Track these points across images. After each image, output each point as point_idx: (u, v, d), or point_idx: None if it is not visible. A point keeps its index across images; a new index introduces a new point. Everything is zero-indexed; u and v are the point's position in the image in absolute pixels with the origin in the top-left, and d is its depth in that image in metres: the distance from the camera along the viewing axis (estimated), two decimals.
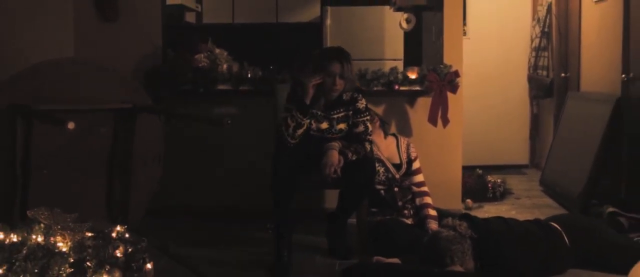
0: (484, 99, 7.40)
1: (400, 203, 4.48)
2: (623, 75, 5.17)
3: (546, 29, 6.97)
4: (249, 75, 5.05)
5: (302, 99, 4.08)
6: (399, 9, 5.88)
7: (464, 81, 5.24)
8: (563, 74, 6.69)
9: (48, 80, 3.67)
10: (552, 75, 6.94)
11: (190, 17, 7.71)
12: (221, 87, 5.03)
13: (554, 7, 6.85)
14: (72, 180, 3.75)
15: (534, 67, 7.26)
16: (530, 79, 7.40)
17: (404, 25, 5.83)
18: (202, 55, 5.09)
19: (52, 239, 2.30)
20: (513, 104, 7.54)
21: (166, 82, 4.91)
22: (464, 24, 6.82)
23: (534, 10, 7.41)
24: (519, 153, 7.61)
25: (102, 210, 3.93)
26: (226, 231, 4.83)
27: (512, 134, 7.55)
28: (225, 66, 5.06)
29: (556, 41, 6.86)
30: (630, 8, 5.12)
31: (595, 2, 5.85)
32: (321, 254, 4.27)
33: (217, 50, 5.18)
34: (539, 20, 7.12)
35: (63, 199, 3.22)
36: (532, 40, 7.34)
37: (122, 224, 2.75)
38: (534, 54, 7.24)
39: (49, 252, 2.21)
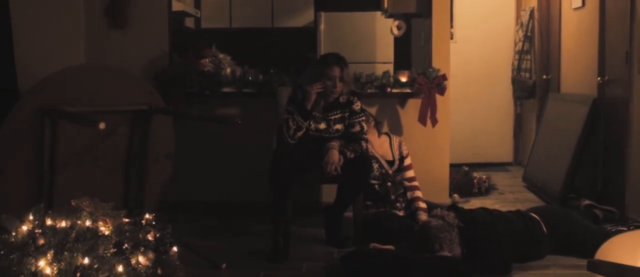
0: (471, 100, 7.68)
1: (392, 197, 4.84)
2: (598, 78, 5.53)
3: (529, 34, 7.28)
4: (250, 78, 5.38)
5: (303, 104, 4.43)
6: (390, 16, 6.22)
7: (451, 83, 5.56)
8: (545, 76, 7.01)
9: (71, 85, 4.00)
10: (534, 77, 7.26)
11: (189, 23, 7.98)
12: (225, 89, 5.34)
13: (536, 13, 7.16)
14: (93, 176, 4.07)
15: (517, 70, 7.57)
16: (514, 81, 7.71)
17: (395, 31, 6.17)
18: (207, 59, 5.41)
19: (95, 224, 2.65)
20: (498, 105, 7.84)
21: (174, 85, 5.21)
22: (451, 28, 7.15)
23: (518, 16, 7.73)
24: (504, 151, 7.91)
25: (119, 203, 4.26)
26: (230, 223, 5.15)
27: (497, 133, 7.85)
28: (228, 70, 5.38)
29: (538, 45, 7.18)
30: (605, 15, 5.47)
31: (574, 9, 6.20)
32: (320, 244, 4.60)
33: (221, 55, 5.50)
34: (522, 25, 7.43)
35: (85, 193, 3.51)
36: (515, 44, 7.65)
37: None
38: (517, 57, 7.55)
39: (95, 234, 2.55)
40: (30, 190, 3.86)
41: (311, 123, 4.50)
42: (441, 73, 5.33)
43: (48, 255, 2.35)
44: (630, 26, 4.91)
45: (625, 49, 5.01)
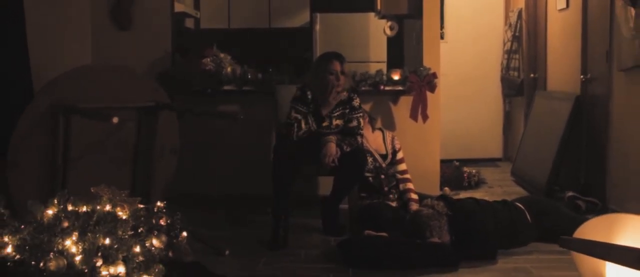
0: (461, 98, 7.94)
1: (386, 188, 5.09)
2: (581, 76, 5.80)
3: (517, 34, 7.51)
4: (249, 77, 5.61)
5: (318, 109, 4.68)
6: (383, 17, 6.44)
7: (443, 81, 5.81)
8: (532, 75, 7.24)
9: (82, 83, 4.23)
10: (522, 76, 7.47)
11: (189, 23, 8.20)
12: (226, 87, 5.57)
13: (523, 14, 7.39)
14: (103, 168, 4.29)
15: (506, 68, 7.81)
16: (503, 79, 7.95)
17: (388, 31, 6.41)
18: (209, 59, 5.63)
19: (114, 209, 2.89)
20: (487, 102, 8.11)
21: (177, 84, 5.44)
22: (441, 28, 7.38)
23: (506, 16, 7.98)
24: (493, 147, 8.17)
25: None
26: (231, 214, 5.38)
27: (486, 130, 8.12)
28: (229, 69, 5.60)
29: (526, 45, 7.39)
30: (588, 16, 5.74)
31: (559, 10, 6.46)
32: (317, 233, 4.84)
33: (222, 55, 5.73)
34: (510, 25, 7.66)
35: (95, 184, 3.75)
36: (504, 44, 7.89)
37: None
38: (506, 56, 7.79)
39: (114, 218, 2.80)
40: (44, 182, 4.10)
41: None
42: (432, 71, 5.58)
43: (73, 235, 2.60)
44: (610, 27, 5.17)
45: (605, 49, 5.27)
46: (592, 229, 3.19)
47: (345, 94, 4.81)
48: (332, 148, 4.62)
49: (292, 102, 4.78)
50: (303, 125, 4.67)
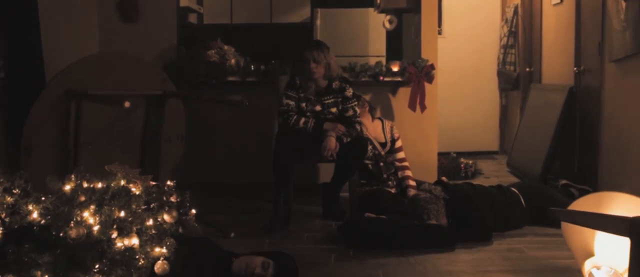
0: (459, 93, 8.08)
1: (385, 176, 5.25)
2: (575, 68, 5.96)
3: (513, 29, 7.66)
4: (252, 69, 5.77)
5: (307, 94, 4.88)
6: (382, 11, 6.59)
7: (440, 76, 5.95)
8: (528, 69, 7.40)
9: (93, 71, 4.40)
10: (518, 70, 7.64)
11: (192, 18, 8.35)
12: (230, 78, 5.72)
13: (519, 9, 7.55)
14: (112, 153, 4.43)
15: (502, 63, 7.95)
16: (500, 74, 8.09)
17: (387, 25, 6.56)
18: (213, 51, 5.78)
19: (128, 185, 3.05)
20: (484, 96, 8.25)
21: (183, 74, 5.59)
22: (440, 25, 7.53)
23: (503, 12, 8.13)
24: (490, 140, 8.32)
25: None
26: (234, 202, 5.52)
27: (483, 123, 8.27)
28: (233, 61, 5.75)
29: (522, 39, 7.56)
30: (581, 10, 5.90)
31: (554, 5, 6.62)
32: (318, 218, 5.00)
33: (226, 47, 5.88)
34: (507, 20, 7.81)
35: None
36: (501, 39, 8.04)
37: None
38: (502, 51, 7.93)
39: (128, 193, 2.95)
40: (55, 165, 4.26)
41: (307, 104, 4.91)
42: (429, 63, 5.73)
43: (90, 208, 2.75)
44: (602, 20, 5.32)
45: (597, 41, 5.43)
46: (582, 206, 3.36)
47: (337, 83, 4.96)
48: (332, 142, 4.78)
49: (284, 89, 5.00)
50: (301, 124, 4.83)
